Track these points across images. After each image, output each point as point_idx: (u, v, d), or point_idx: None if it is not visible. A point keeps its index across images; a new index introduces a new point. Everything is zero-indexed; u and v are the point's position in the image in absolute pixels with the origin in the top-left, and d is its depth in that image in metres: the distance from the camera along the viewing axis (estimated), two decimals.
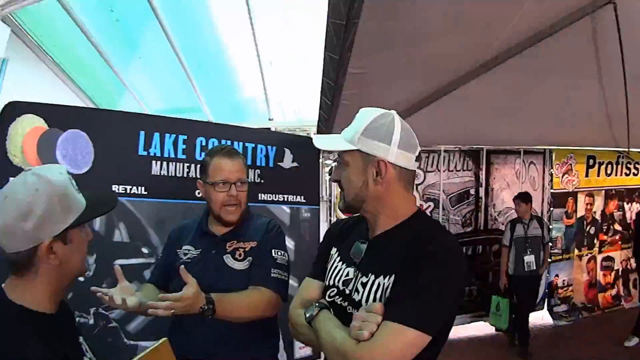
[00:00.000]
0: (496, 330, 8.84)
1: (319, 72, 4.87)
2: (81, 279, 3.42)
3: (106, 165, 4.24)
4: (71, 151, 4.09)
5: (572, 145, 9.54)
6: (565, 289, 9.82)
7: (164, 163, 4.56)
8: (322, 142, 2.42)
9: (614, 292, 10.59)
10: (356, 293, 2.08)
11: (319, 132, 6.32)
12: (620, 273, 10.70)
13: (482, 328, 9.10)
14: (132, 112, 4.77)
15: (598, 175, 10.39)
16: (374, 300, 1.99)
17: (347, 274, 2.16)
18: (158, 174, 4.52)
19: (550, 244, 8.88)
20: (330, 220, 7.11)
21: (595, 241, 10.35)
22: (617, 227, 10.70)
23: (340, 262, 2.25)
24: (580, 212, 10.15)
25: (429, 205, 8.63)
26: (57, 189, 1.85)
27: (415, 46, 4.67)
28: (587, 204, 10.18)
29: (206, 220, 3.17)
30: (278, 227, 3.26)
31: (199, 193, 4.43)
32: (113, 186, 4.26)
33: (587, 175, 10.23)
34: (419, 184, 8.43)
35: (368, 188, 2.10)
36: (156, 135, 4.52)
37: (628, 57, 6.00)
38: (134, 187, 4.38)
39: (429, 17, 4.20)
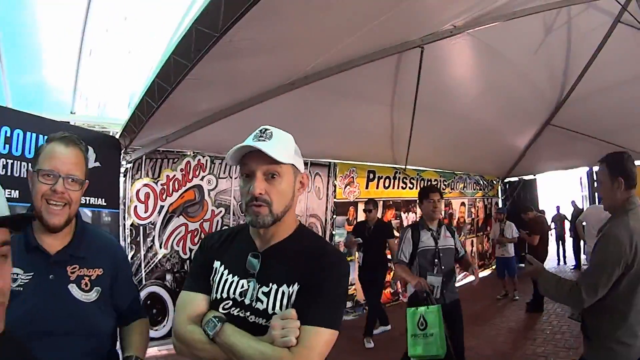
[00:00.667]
0: None
1: (138, 69, 4.57)
2: None
3: None
4: None
5: (355, 160, 10.43)
6: (349, 287, 9.95)
7: None
8: (271, 150, 2.07)
9: (392, 289, 11.70)
10: (259, 302, 2.10)
11: (125, 131, 6.21)
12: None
13: None
14: None
15: (377, 188, 11.27)
16: (281, 307, 2.07)
17: (242, 286, 2.16)
18: None
19: None
20: (125, 224, 6.87)
21: None
22: (397, 233, 11.07)
23: (231, 275, 2.22)
24: (361, 218, 10.58)
25: (220, 211, 8.47)
26: None
27: (236, 60, 4.76)
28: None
29: (31, 228, 2.40)
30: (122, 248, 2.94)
31: (7, 193, 3.92)
32: None
33: (367, 187, 11.02)
34: (212, 190, 8.32)
35: (293, 199, 2.22)
36: None
37: (421, 92, 7.19)
38: None
39: (254, 36, 4.34)
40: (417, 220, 5.72)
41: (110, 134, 6.79)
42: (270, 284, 2.12)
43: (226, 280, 2.21)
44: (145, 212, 7.25)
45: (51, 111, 6.70)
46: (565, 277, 3.74)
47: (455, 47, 6.84)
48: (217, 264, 2.27)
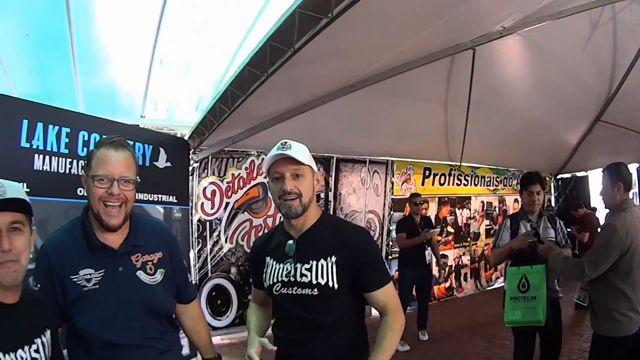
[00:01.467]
0: None
1: (205, 75, 4.64)
2: None
3: None
4: None
5: (412, 157, 10.33)
6: None
7: (47, 157, 3.94)
8: (296, 154, 2.50)
9: (447, 284, 11.32)
10: (304, 277, 2.53)
11: (195, 132, 6.27)
12: (453, 268, 11.48)
13: None
14: (13, 97, 4.14)
15: (433, 185, 11.08)
16: (323, 276, 2.52)
17: (286, 268, 2.59)
18: (40, 169, 3.89)
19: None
20: (192, 220, 6.96)
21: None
22: (450, 229, 11.49)
23: (276, 262, 2.66)
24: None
25: None
26: None
27: (301, 68, 4.79)
28: (422, 209, 10.20)
29: (91, 227, 2.48)
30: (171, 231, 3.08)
31: (85, 192, 3.79)
32: None
33: (423, 184, 10.83)
34: None
35: (313, 193, 2.64)
36: (39, 126, 3.90)
37: (473, 90, 7.16)
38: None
39: (319, 48, 4.35)
40: (518, 210, 5.27)
41: (178, 135, 6.85)
42: (310, 261, 2.54)
43: (274, 269, 2.65)
44: (212, 208, 7.34)
45: (122, 115, 6.77)
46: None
47: (505, 47, 6.76)
48: (267, 259, 2.71)
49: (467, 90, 7.26)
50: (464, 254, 11.82)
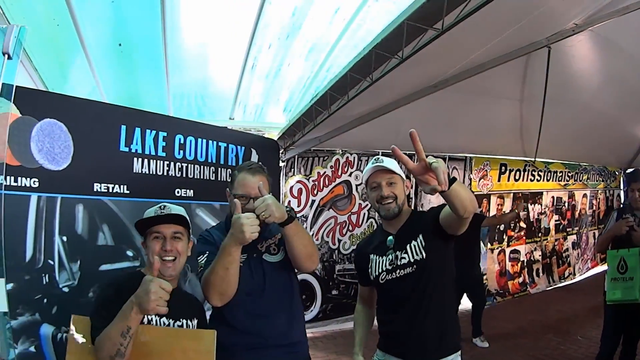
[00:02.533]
0: None
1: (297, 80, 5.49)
2: (65, 289, 3.19)
3: (87, 161, 3.41)
4: (48, 144, 3.21)
5: (489, 154, 9.85)
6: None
7: (145, 160, 3.82)
8: (389, 164, 2.84)
9: (520, 279, 10.79)
10: (403, 259, 2.80)
11: (285, 133, 6.40)
12: (525, 264, 10.95)
13: None
14: (112, 104, 4.05)
15: (508, 180, 10.57)
16: (417, 252, 2.78)
17: (388, 259, 2.87)
18: (139, 171, 3.77)
19: None
20: None
21: (504, 236, 10.48)
22: (522, 224, 10.92)
23: (378, 257, 2.93)
24: (493, 211, 10.13)
25: (367, 204, 8.13)
26: (147, 211, 2.59)
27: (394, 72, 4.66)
28: (498, 205, 10.29)
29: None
30: None
31: (182, 193, 4.08)
32: (94, 184, 3.45)
33: (499, 180, 10.37)
34: (359, 185, 8.07)
35: (405, 196, 2.92)
36: (137, 131, 3.77)
37: (551, 85, 6.86)
38: (116, 186, 3.59)
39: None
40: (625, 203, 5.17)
41: (265, 136, 6.73)
42: (405, 247, 2.81)
43: (377, 262, 2.92)
44: (298, 206, 7.07)
45: (211, 117, 6.57)
46: None
47: (577, 43, 6.43)
48: (371, 256, 2.97)
49: (542, 86, 6.93)
50: (535, 249, 11.23)
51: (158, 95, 6.53)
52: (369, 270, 2.96)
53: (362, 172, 7.88)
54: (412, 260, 2.77)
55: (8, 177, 2.98)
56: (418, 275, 2.76)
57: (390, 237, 2.89)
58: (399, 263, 2.80)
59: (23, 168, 3.08)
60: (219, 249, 2.50)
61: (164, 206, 2.52)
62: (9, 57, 2.72)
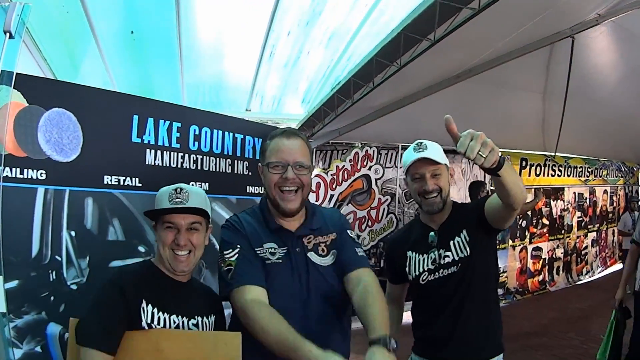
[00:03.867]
0: None
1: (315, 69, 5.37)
2: (73, 286, 3.00)
3: (97, 152, 3.21)
4: (56, 134, 3.00)
5: (509, 148, 9.66)
6: (500, 275, 9.43)
7: (158, 152, 3.61)
8: (433, 155, 2.61)
9: (540, 277, 10.67)
10: (446, 258, 2.68)
11: (304, 125, 6.34)
12: (547, 261, 10.79)
13: None
14: (124, 93, 3.75)
15: (529, 175, 10.38)
16: (461, 250, 2.65)
17: (431, 257, 2.73)
18: (152, 163, 3.56)
19: None
20: None
21: (526, 233, 10.34)
22: (545, 221, 10.76)
23: (418, 255, 2.78)
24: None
25: (387, 199, 8.18)
26: (160, 193, 2.39)
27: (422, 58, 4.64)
28: None
29: (269, 214, 2.45)
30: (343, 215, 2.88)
31: (197, 186, 3.59)
32: (105, 177, 3.24)
33: (519, 175, 9.68)
34: (378, 179, 8.02)
35: (449, 188, 2.75)
36: (150, 121, 3.56)
37: (573, 78, 6.84)
38: (128, 179, 3.39)
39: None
40: None
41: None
42: (447, 245, 2.67)
43: (417, 260, 2.77)
44: (317, 200, 6.95)
45: (226, 109, 6.43)
46: None
47: (600, 35, 6.42)
48: (409, 253, 2.81)
49: (564, 79, 6.90)
50: (557, 246, 11.05)
51: (172, 86, 6.42)
52: (407, 269, 2.82)
53: (381, 166, 7.85)
54: (456, 258, 2.66)
55: (13, 169, 2.81)
56: (462, 274, 2.65)
57: (432, 234, 2.75)
58: (442, 262, 2.68)
59: (29, 159, 2.89)
60: (288, 342, 1.90)
61: (181, 190, 2.28)
62: (11, 36, 2.55)
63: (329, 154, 7.14)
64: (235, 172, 4.25)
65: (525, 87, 7.73)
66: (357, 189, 7.64)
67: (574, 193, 11.74)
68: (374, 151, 7.73)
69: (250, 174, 4.32)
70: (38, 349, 2.87)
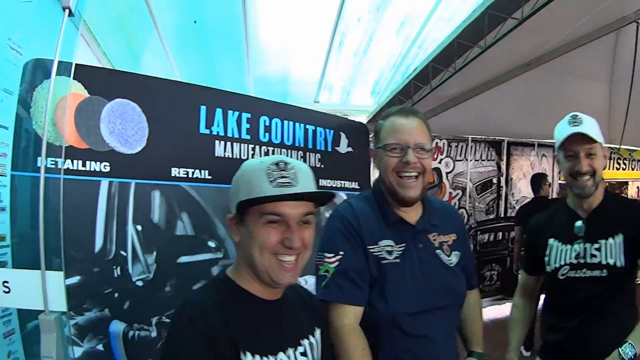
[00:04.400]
0: None
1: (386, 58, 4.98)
2: (139, 283, 2.73)
3: (164, 144, 2.91)
4: (120, 126, 2.72)
5: None
6: None
7: (228, 143, 3.28)
8: (589, 131, 2.14)
9: None
10: (593, 258, 2.19)
11: (376, 116, 5.82)
12: None
13: (503, 310, 7.70)
14: (190, 83, 3.45)
15: None
16: (612, 255, 2.15)
17: (575, 250, 2.25)
18: (222, 155, 3.24)
19: None
20: None
21: None
22: None
23: (561, 244, 2.31)
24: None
25: (458, 193, 7.59)
26: (241, 170, 1.48)
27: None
28: None
29: (386, 203, 1.99)
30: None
31: None
32: (172, 169, 2.94)
33: None
34: (449, 172, 7.46)
35: (602, 171, 2.25)
36: (218, 112, 3.24)
37: (637, 65, 6.07)
38: (197, 171, 3.06)
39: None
40: None
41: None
42: (599, 241, 2.19)
43: (559, 250, 2.30)
44: None
45: (294, 101, 6.02)
46: None
47: None
48: (551, 241, 2.35)
49: (630, 67, 6.14)
50: None
51: (237, 77, 6.12)
52: (547, 258, 2.37)
53: (452, 159, 7.46)
54: (604, 262, 2.19)
55: (75, 161, 2.53)
56: (608, 282, 2.20)
57: (580, 223, 2.28)
58: (587, 260, 2.23)
59: (92, 151, 2.61)
60: None
61: (285, 165, 1.41)
62: (71, 14, 2.24)
63: None
64: (307, 164, 3.79)
65: (591, 75, 7.09)
66: (428, 183, 6.93)
67: (638, 187, 10.71)
68: (444, 144, 7.24)
69: (322, 166, 3.96)
70: (100, 347, 2.63)
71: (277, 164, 1.41)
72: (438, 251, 1.99)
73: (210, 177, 3.09)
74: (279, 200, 1.36)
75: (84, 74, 2.54)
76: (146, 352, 2.71)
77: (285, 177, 1.39)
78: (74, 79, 2.48)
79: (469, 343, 2.09)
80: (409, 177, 1.88)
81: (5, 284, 2.07)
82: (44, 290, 2.05)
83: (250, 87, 6.20)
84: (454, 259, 2.03)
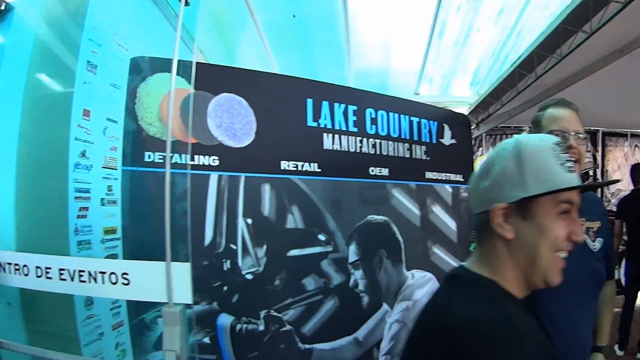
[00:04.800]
0: None
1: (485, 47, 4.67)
2: (249, 276, 2.60)
3: (272, 137, 2.78)
4: (227, 120, 2.61)
5: None
6: None
7: (336, 136, 3.08)
8: None
9: None
10: None
11: (479, 106, 5.59)
12: None
13: None
14: (295, 77, 3.25)
15: None
16: None
17: None
18: (330, 148, 3.04)
19: None
20: None
21: None
22: None
23: None
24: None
25: None
26: (521, 150, 1.13)
27: None
28: None
29: None
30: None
31: (377, 171, 3.19)
32: (282, 162, 2.78)
33: None
34: None
35: None
36: (325, 104, 3.06)
37: None
38: (306, 164, 2.89)
39: None
40: None
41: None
42: None
43: None
44: None
45: (395, 93, 5.73)
46: None
47: None
48: None
49: None
50: None
51: (337, 70, 5.88)
52: None
53: None
54: None
55: (184, 156, 2.45)
56: None
57: None
58: None
59: (201, 145, 2.54)
60: None
61: (559, 144, 1.18)
62: (187, 3, 2.15)
63: (499, 138, 6.25)
64: (413, 156, 3.63)
65: None
66: None
67: None
68: None
69: (428, 159, 3.65)
70: (207, 340, 2.55)
71: (557, 143, 1.18)
72: (585, 236, 1.99)
73: (319, 170, 2.93)
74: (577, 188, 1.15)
75: (187, 69, 2.42)
76: (253, 345, 2.59)
77: (570, 160, 1.18)
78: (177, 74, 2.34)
79: (597, 337, 2.09)
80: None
81: (125, 276, 1.97)
82: (169, 282, 1.93)
83: (350, 79, 6.02)
84: (597, 245, 2.03)
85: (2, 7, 2.64)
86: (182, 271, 1.92)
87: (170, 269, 1.90)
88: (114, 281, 1.95)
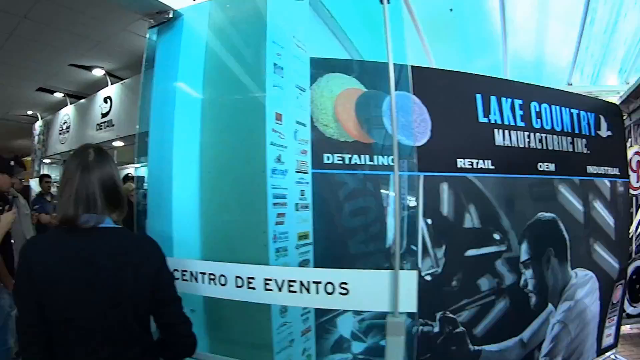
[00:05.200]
0: None
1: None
2: (428, 277, 2.41)
3: (447, 135, 2.56)
4: (402, 118, 2.40)
5: None
6: None
7: (506, 132, 2.81)
8: None
9: None
10: None
11: (630, 96, 4.65)
12: None
13: None
14: (463, 72, 3.02)
15: None
16: None
17: None
18: (502, 144, 2.78)
19: None
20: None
21: None
22: None
23: None
24: None
25: None
26: None
27: None
28: None
29: None
30: None
31: (544, 167, 2.86)
32: (458, 160, 2.55)
33: None
34: None
35: None
36: (493, 100, 2.79)
37: None
38: (480, 161, 2.64)
39: None
40: None
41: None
42: None
43: None
44: (638, 181, 5.17)
45: (547, 84, 5.32)
46: None
47: None
48: None
49: None
50: None
51: (493, 64, 5.47)
52: None
53: None
54: None
55: (362, 156, 2.33)
56: None
57: None
58: None
59: (378, 145, 2.38)
60: None
61: None
62: (387, 1, 2.03)
63: None
64: (576, 150, 3.27)
65: None
66: None
67: None
68: None
69: (589, 152, 3.28)
70: (383, 342, 2.32)
71: None
72: None
73: (493, 167, 2.68)
74: None
75: (356, 68, 2.37)
76: (427, 347, 2.42)
77: None
78: (346, 74, 2.31)
79: None
80: None
81: (343, 286, 1.86)
82: (396, 290, 1.80)
83: (506, 72, 5.61)
84: None
85: (170, 15, 2.62)
86: (409, 279, 1.80)
87: (398, 277, 1.77)
88: (329, 291, 1.84)
